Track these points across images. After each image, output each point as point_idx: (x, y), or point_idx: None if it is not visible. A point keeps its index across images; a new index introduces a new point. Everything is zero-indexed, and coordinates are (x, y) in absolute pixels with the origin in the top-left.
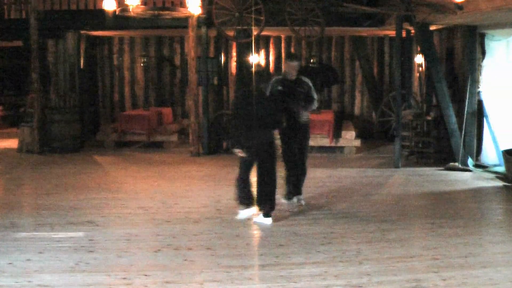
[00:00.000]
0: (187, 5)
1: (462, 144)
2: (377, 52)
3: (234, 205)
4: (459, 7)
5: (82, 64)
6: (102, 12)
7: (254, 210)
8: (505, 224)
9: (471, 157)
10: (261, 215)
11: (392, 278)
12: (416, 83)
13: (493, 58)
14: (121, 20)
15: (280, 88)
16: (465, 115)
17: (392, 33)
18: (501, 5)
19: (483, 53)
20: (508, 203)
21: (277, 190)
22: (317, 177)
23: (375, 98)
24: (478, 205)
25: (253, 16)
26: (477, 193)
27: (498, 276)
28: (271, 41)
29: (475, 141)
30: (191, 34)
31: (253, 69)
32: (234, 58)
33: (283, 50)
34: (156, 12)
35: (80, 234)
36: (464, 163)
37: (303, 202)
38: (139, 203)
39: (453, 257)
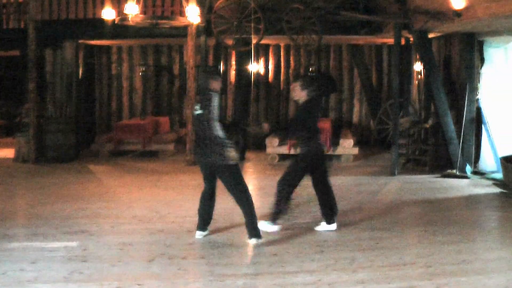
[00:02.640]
0: (186, 14)
1: (460, 151)
2: (375, 60)
3: (227, 214)
4: (457, 14)
5: (80, 73)
6: (100, 21)
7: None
8: (499, 231)
9: (469, 164)
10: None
11: (386, 286)
12: (414, 90)
13: (492, 65)
14: (120, 29)
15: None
16: (463, 122)
17: (390, 41)
18: (497, 13)
19: (482, 60)
20: (504, 209)
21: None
22: (312, 186)
23: (373, 106)
24: (474, 212)
25: (252, 24)
26: (473, 200)
27: (491, 283)
28: (270, 49)
29: (473, 148)
30: (190, 43)
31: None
32: (233, 67)
33: (282, 59)
34: (155, 21)
35: (74, 243)
36: (462, 170)
37: None
38: (133, 213)
39: (446, 264)
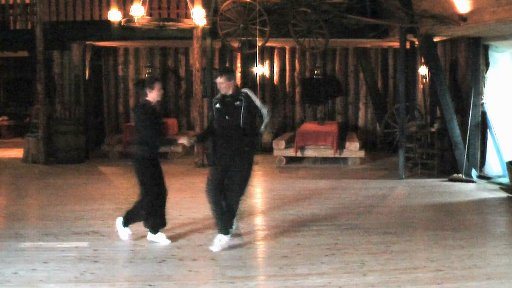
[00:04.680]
0: (192, 16)
1: (466, 155)
2: (381, 64)
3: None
4: (463, 18)
5: (87, 75)
6: (107, 23)
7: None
8: (509, 236)
9: (475, 169)
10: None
11: None
12: (420, 94)
13: (497, 69)
14: (126, 31)
15: (218, 106)
16: (469, 127)
17: (396, 44)
18: (504, 17)
19: (487, 64)
20: None
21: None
22: (320, 188)
23: (379, 110)
24: (482, 216)
25: (257, 27)
26: (480, 205)
27: None
28: (276, 52)
29: (479, 152)
30: (196, 45)
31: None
32: (239, 69)
33: (287, 61)
34: (161, 23)
35: (85, 244)
36: (468, 175)
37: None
38: None
39: (457, 269)
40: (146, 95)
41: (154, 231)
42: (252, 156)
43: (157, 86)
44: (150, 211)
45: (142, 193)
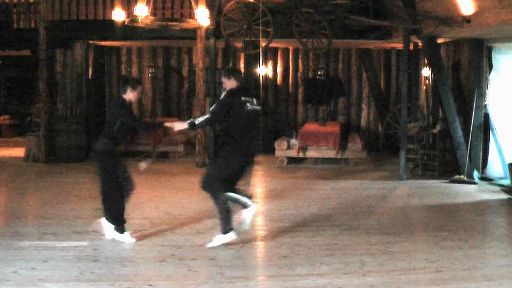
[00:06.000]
0: (196, 16)
1: (468, 157)
2: (384, 65)
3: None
4: (466, 20)
5: (90, 74)
6: (111, 22)
7: None
8: (509, 237)
9: (476, 170)
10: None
11: None
12: (423, 95)
13: (500, 71)
14: (130, 30)
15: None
16: (471, 128)
17: (399, 45)
18: (507, 19)
19: (490, 66)
20: None
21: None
22: (321, 189)
23: (381, 111)
24: (482, 218)
25: (261, 27)
26: (481, 206)
27: None
28: (279, 52)
29: (481, 154)
30: (199, 45)
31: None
32: (242, 70)
33: (290, 62)
34: (165, 23)
35: (85, 243)
36: (470, 176)
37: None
38: (144, 213)
39: (456, 270)
40: (125, 93)
41: (121, 229)
42: (222, 154)
43: (139, 90)
44: (113, 204)
45: (105, 186)
